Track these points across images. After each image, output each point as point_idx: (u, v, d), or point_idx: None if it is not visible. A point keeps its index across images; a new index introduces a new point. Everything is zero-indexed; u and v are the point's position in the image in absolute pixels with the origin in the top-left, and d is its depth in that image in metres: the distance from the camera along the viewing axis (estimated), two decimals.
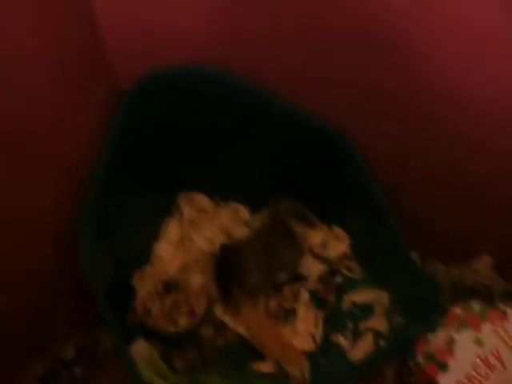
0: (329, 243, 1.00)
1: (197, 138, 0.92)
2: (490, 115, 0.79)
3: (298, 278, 0.97)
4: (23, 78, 0.70)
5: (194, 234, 0.98)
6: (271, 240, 0.95)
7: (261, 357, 0.91)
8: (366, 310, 0.95)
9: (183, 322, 0.90)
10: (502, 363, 0.83)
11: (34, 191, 0.78)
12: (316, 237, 1.00)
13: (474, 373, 0.82)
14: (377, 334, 0.93)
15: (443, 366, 0.83)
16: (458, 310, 0.87)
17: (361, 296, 0.96)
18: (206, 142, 0.93)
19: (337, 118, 0.86)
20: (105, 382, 0.90)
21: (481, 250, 0.95)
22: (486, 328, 0.85)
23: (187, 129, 0.90)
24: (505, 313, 0.86)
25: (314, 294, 0.96)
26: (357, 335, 0.93)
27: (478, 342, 0.84)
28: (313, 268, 0.97)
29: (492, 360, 0.83)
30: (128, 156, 0.86)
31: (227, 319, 0.92)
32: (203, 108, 0.88)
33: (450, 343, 0.84)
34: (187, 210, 1.01)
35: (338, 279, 0.98)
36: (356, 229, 0.99)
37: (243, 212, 1.03)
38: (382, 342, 0.92)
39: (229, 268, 0.92)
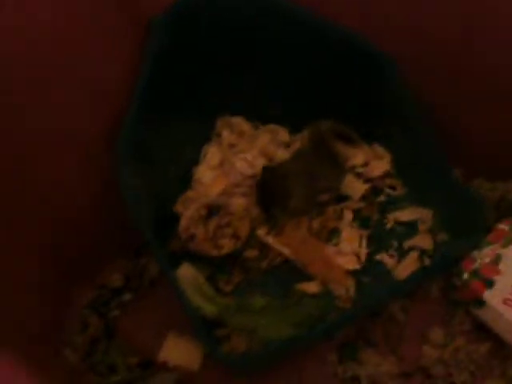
0: (371, 162, 1.00)
1: (234, 61, 0.91)
2: None
3: (340, 198, 0.98)
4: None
5: (234, 158, 0.98)
6: (312, 161, 0.94)
7: (305, 277, 0.92)
8: (410, 228, 0.95)
9: (227, 245, 0.91)
10: None
11: (75, 116, 0.80)
12: (358, 156, 1.00)
13: None
14: (421, 252, 0.93)
15: (489, 283, 0.84)
16: (503, 227, 0.88)
17: (404, 214, 0.97)
18: (242, 63, 0.92)
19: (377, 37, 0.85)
20: (153, 307, 0.92)
21: None
22: None
23: (223, 51, 0.89)
24: None
25: (357, 214, 0.97)
26: (401, 253, 0.94)
27: None
28: (355, 187, 0.98)
29: None
30: (165, 81, 0.86)
31: (270, 241, 0.93)
32: (239, 28, 0.87)
33: (496, 260, 0.85)
34: (226, 134, 1.00)
35: (381, 198, 0.98)
36: (398, 147, 0.98)
37: (283, 134, 1.02)
38: (426, 260, 0.92)
39: (270, 191, 0.92)
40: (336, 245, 0.94)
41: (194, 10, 0.84)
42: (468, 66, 0.87)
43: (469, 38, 0.83)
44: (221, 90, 0.93)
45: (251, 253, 0.93)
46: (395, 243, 0.95)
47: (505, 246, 0.86)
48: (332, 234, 0.95)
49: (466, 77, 0.88)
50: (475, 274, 0.85)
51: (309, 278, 0.92)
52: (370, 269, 0.93)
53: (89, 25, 0.78)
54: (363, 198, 0.98)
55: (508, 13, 0.79)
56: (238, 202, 0.94)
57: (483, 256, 0.86)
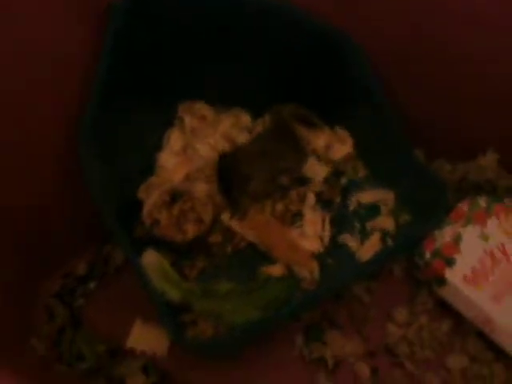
0: (333, 145, 1.01)
1: (194, 47, 0.91)
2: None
3: (303, 181, 0.98)
4: None
5: (197, 143, 0.98)
6: (270, 143, 0.95)
7: (270, 261, 0.92)
8: (373, 209, 0.97)
9: (191, 230, 0.91)
10: (507, 256, 0.86)
11: (35, 107, 0.80)
12: (319, 139, 1.00)
13: (479, 266, 0.85)
14: (384, 233, 0.94)
15: (450, 262, 0.86)
16: (463, 207, 0.89)
17: (367, 196, 0.98)
18: (203, 49, 0.91)
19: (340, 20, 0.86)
20: (119, 294, 0.92)
21: (486, 146, 0.95)
22: (492, 223, 0.88)
23: (184, 37, 0.89)
24: (510, 207, 0.88)
25: (320, 197, 0.97)
26: (364, 235, 0.95)
27: (484, 237, 0.87)
28: (317, 170, 0.99)
29: (497, 254, 0.86)
30: (125, 67, 0.85)
31: (234, 225, 0.94)
32: (200, 13, 0.87)
33: (457, 239, 0.87)
34: (188, 119, 1.00)
35: (344, 180, 0.99)
36: (360, 129, 0.99)
37: (245, 118, 1.02)
38: (389, 241, 0.94)
39: (229, 175, 0.93)
40: (300, 228, 0.95)
41: None
42: (427, 52, 0.88)
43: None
44: (182, 75, 0.93)
45: (215, 238, 0.94)
46: (358, 225, 0.96)
47: (465, 225, 0.87)
48: (295, 217, 0.96)
49: (425, 63, 0.89)
50: (436, 253, 0.87)
51: (273, 261, 0.92)
52: (334, 251, 0.94)
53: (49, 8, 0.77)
54: (325, 180, 0.98)
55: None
56: (201, 187, 0.94)
57: (444, 235, 0.87)
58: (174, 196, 0.93)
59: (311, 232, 0.94)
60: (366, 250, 0.93)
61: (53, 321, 0.91)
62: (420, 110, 0.94)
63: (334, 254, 0.94)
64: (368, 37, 0.86)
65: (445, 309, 0.89)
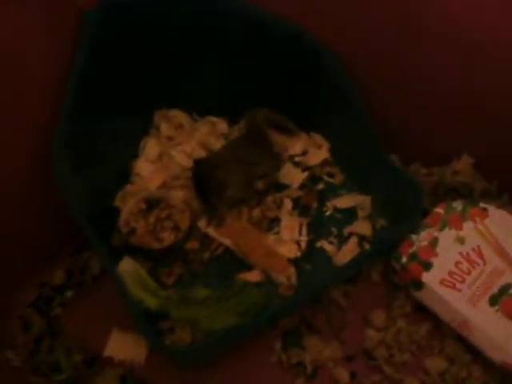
0: (309, 151, 1.02)
1: (168, 54, 0.92)
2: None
3: (280, 188, 0.99)
4: None
5: (173, 150, 0.99)
6: (245, 149, 0.95)
7: (247, 267, 0.93)
8: (350, 214, 0.98)
9: (168, 237, 0.92)
10: (483, 259, 0.88)
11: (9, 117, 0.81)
12: (296, 145, 1.02)
13: (456, 270, 0.87)
14: (361, 238, 0.96)
15: (427, 265, 0.87)
16: (439, 210, 0.90)
17: (343, 201, 0.99)
18: (177, 57, 0.92)
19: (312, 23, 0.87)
20: (97, 303, 0.92)
21: (461, 150, 0.96)
22: (468, 226, 0.90)
23: (157, 45, 0.90)
24: (485, 210, 0.91)
25: (296, 202, 0.99)
26: (341, 240, 0.96)
27: (460, 240, 0.89)
28: (294, 176, 1.00)
29: (473, 256, 0.88)
30: (99, 75, 0.87)
31: (211, 231, 0.95)
32: (171, 20, 0.88)
33: (433, 243, 0.88)
34: (165, 127, 1.01)
35: (320, 186, 1.00)
36: (336, 135, 1.00)
37: (221, 125, 1.03)
38: (366, 246, 0.95)
39: (206, 181, 0.93)
40: (277, 234, 0.96)
41: (125, 5, 0.85)
42: (401, 56, 0.89)
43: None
44: (157, 83, 0.94)
45: (192, 244, 0.94)
46: (335, 230, 0.97)
47: (441, 229, 0.89)
48: (272, 223, 0.97)
49: (399, 68, 0.91)
50: (413, 257, 0.88)
51: (251, 267, 0.93)
52: (311, 256, 0.95)
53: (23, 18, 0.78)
54: (302, 186, 1.00)
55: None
56: (178, 195, 0.95)
57: (421, 239, 0.89)
58: (151, 204, 0.94)
59: (288, 237, 0.95)
60: (344, 254, 0.94)
61: (29, 331, 0.90)
62: (394, 116, 0.95)
63: (311, 259, 0.94)
64: (342, 43, 0.88)
65: (422, 312, 0.90)
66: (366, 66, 0.91)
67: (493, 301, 0.85)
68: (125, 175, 0.99)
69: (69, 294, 0.94)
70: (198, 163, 0.94)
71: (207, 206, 0.95)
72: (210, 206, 0.94)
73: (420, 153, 0.98)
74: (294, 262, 0.94)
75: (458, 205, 0.90)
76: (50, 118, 0.83)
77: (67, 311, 0.93)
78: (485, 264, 0.87)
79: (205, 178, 0.93)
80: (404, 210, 0.89)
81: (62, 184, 0.82)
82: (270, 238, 0.95)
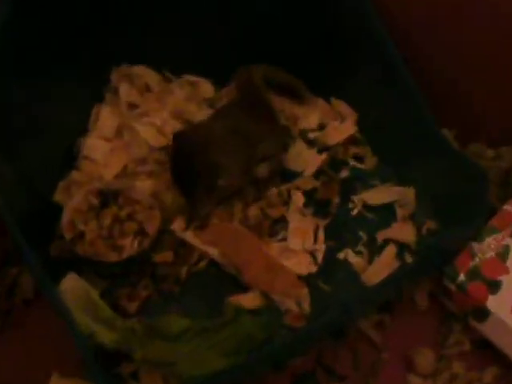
0: (328, 124, 1.00)
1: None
2: None
3: (287, 176, 0.96)
4: None
5: (137, 123, 0.97)
6: (243, 122, 0.92)
7: (241, 287, 0.90)
8: (385, 214, 0.95)
9: (129, 246, 0.89)
10: None
11: None
12: (310, 116, 1.00)
13: None
14: (401, 247, 0.92)
15: (494, 286, 0.84)
16: (511, 209, 0.88)
17: (376, 195, 0.96)
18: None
19: None
20: (28, 337, 0.90)
21: None
22: None
23: None
24: None
25: (310, 197, 0.96)
26: (373, 249, 0.93)
27: None
28: (307, 160, 0.97)
29: None
30: (27, 23, 0.86)
31: (190, 237, 0.91)
32: None
33: (503, 253, 0.86)
34: (125, 90, 0.99)
35: (344, 174, 0.98)
36: (366, 102, 0.98)
37: (205, 87, 1.01)
38: (408, 257, 0.92)
39: (189, 166, 0.88)
40: (283, 240, 0.93)
41: None
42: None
43: None
44: (116, 30, 0.93)
45: (164, 256, 0.91)
46: (364, 236, 0.94)
47: None
48: (277, 226, 0.94)
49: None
50: (474, 274, 0.84)
51: (245, 287, 0.90)
52: (331, 272, 0.91)
53: None
54: (319, 173, 0.97)
55: None
56: (144, 186, 0.92)
57: (485, 249, 0.86)
58: (106, 198, 0.91)
59: (298, 246, 0.92)
60: (376, 269, 0.91)
61: None
62: (450, 75, 0.94)
63: (330, 276, 0.91)
64: None
65: (487, 351, 0.87)
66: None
67: None
68: (70, 158, 0.96)
69: None
70: (180, 138, 0.89)
71: (189, 200, 0.91)
72: (194, 200, 0.90)
73: (484, 128, 0.97)
74: (307, 279, 0.90)
75: None
76: None
77: None
78: None
79: (188, 160, 0.88)
80: (462, 208, 0.86)
81: None
82: (274, 247, 0.92)
